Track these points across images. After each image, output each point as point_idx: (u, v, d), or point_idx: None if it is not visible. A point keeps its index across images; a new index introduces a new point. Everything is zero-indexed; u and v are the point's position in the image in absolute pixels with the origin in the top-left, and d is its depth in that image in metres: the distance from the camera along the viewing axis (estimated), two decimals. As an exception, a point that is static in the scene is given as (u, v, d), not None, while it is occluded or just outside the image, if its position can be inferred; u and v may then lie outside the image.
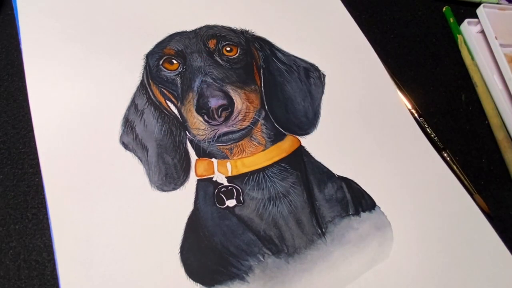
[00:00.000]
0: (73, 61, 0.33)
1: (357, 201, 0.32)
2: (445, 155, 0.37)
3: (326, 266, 0.29)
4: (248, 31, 0.37)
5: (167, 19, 0.37)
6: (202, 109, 0.32)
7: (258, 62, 0.36)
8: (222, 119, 0.32)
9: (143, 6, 0.37)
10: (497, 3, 0.47)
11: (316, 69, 0.38)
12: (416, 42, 0.44)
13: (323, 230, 0.30)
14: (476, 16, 0.45)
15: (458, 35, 0.45)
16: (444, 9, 0.47)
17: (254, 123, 0.33)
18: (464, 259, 0.31)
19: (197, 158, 0.31)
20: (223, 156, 0.32)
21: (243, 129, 0.33)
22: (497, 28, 0.43)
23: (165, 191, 0.30)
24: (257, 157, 0.32)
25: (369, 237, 0.31)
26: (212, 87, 0.33)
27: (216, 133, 0.32)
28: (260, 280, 0.28)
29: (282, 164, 0.32)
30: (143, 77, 0.34)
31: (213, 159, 0.32)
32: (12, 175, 0.29)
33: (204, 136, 0.32)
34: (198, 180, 0.31)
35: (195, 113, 0.32)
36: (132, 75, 0.33)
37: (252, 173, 0.31)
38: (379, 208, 0.32)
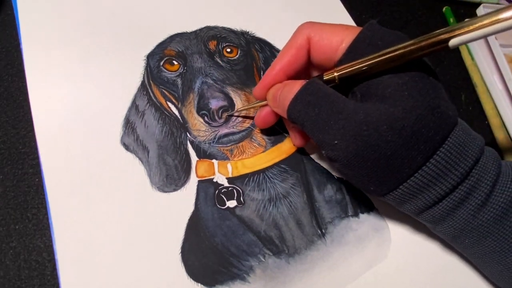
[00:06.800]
0: (74, 62, 0.33)
1: (356, 202, 0.32)
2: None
3: (326, 267, 0.29)
4: (248, 32, 0.37)
5: (168, 20, 0.36)
6: (203, 110, 0.32)
7: (259, 64, 0.36)
8: (222, 120, 0.32)
9: (143, 7, 0.37)
10: (497, 3, 0.47)
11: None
12: (416, 42, 0.44)
13: (323, 231, 0.30)
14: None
15: (458, 36, 0.45)
16: (444, 9, 0.47)
17: (254, 124, 0.33)
18: (461, 259, 0.31)
19: (197, 159, 0.31)
20: (223, 157, 0.32)
21: (243, 131, 0.33)
22: (497, 28, 0.43)
23: (166, 192, 0.30)
24: (258, 158, 0.32)
25: (367, 238, 0.31)
26: (212, 88, 0.33)
27: (216, 134, 0.32)
28: (261, 280, 0.28)
29: (282, 166, 0.32)
30: (143, 78, 0.34)
31: (214, 160, 0.32)
32: (12, 175, 0.29)
33: (205, 137, 0.32)
34: (199, 181, 0.31)
35: (195, 114, 0.32)
36: (132, 76, 0.33)
37: (252, 174, 0.31)
38: (377, 210, 0.32)
